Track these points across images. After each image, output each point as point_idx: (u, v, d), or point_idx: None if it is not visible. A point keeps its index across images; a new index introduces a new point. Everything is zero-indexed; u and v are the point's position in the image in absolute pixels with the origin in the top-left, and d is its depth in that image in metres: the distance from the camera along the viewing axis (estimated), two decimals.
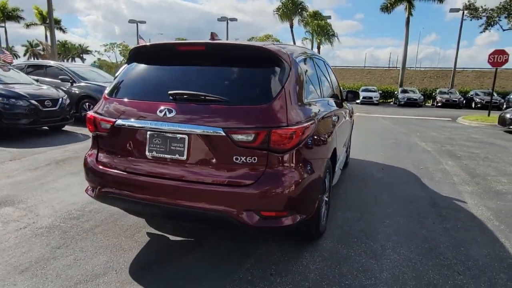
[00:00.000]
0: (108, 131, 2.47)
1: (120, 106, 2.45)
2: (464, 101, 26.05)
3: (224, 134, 2.11)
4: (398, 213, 3.67)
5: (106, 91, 2.62)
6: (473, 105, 25.49)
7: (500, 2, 16.74)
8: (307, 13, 38.21)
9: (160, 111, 2.25)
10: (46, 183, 4.32)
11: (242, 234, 3.02)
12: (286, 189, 2.14)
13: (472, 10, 16.67)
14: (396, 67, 47.80)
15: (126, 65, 2.73)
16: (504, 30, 17.42)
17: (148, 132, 2.31)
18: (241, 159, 2.14)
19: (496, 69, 16.66)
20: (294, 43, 39.36)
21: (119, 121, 2.38)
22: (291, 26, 40.91)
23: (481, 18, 16.68)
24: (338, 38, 35.63)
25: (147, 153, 2.33)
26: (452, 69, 34.46)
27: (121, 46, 56.76)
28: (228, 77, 2.37)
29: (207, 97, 2.22)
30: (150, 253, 2.71)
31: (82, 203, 3.69)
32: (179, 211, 2.27)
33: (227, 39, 40.22)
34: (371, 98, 25.89)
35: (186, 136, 2.21)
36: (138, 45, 2.71)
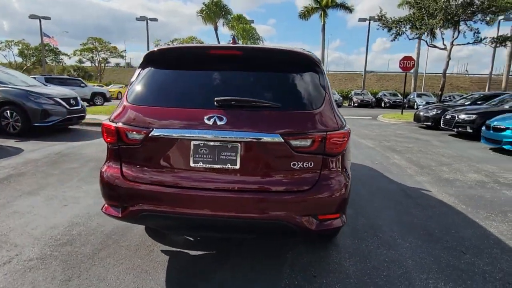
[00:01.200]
0: (140, 142, 2.21)
1: (153, 114, 2.22)
2: (375, 101, 29.53)
3: (282, 140, 2.08)
4: (385, 206, 4.01)
5: (129, 98, 2.34)
6: (382, 105, 29.13)
7: (406, 15, 19.28)
8: (232, 16, 38.72)
9: (209, 119, 2.11)
10: (2, 207, 3.63)
11: (254, 242, 2.97)
12: (339, 191, 2.20)
13: (383, 21, 18.91)
14: None
15: (141, 68, 2.47)
16: (410, 39, 20.06)
17: (193, 142, 2.14)
18: (298, 164, 2.13)
19: (406, 73, 19.19)
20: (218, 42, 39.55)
21: (157, 131, 2.15)
22: (216, 29, 40.97)
23: (391, 28, 19.02)
24: (263, 42, 36.77)
25: (191, 164, 2.15)
26: (358, 72, 38.73)
27: (20, 44, 49.68)
28: (270, 82, 2.32)
29: (258, 103, 2.16)
30: (179, 272, 2.50)
31: (63, 225, 3.22)
32: (233, 222, 2.16)
33: (147, 39, 38.03)
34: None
35: (238, 144, 2.11)
36: (161, 48, 2.48)
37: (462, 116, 10.44)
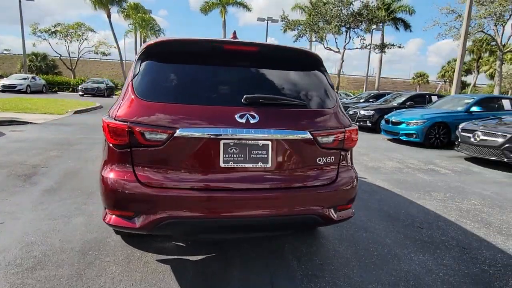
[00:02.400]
0: (163, 143, 1.98)
1: (177, 112, 2.00)
2: None
3: (311, 137, 2.15)
4: None
5: (141, 93, 2.05)
6: None
7: (306, 19, 21.11)
8: (127, 4, 35.80)
9: (241, 117, 2.03)
10: None
11: (251, 242, 2.97)
12: (353, 183, 2.38)
13: (287, 23, 20.28)
14: None
15: (147, 60, 2.18)
16: (310, 41, 21.99)
17: (223, 141, 2.03)
18: (322, 160, 2.24)
19: None
20: (114, 35, 36.24)
21: (184, 131, 1.96)
22: (109, 16, 37.32)
23: (293, 30, 20.55)
24: (164, 34, 35.15)
25: (221, 164, 2.04)
26: None
27: None
28: (288, 80, 2.34)
29: (286, 101, 2.17)
30: (192, 278, 2.35)
31: (15, 247, 2.65)
32: (266, 221, 2.13)
33: (21, 22, 32.37)
34: None
35: (269, 142, 2.09)
36: (170, 39, 2.23)
37: (363, 112, 12.05)
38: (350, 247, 2.94)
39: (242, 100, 2.07)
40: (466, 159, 7.46)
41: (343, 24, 18.73)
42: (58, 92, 31.16)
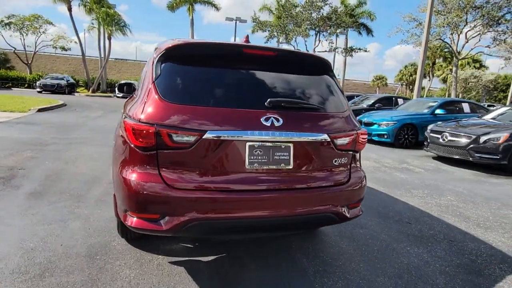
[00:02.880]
0: (191, 145, 1.99)
1: (205, 115, 2.02)
2: None
3: (329, 139, 2.26)
4: None
5: (166, 95, 2.04)
6: None
7: (274, 20, 21.46)
8: None
9: (266, 120, 2.09)
10: None
11: (255, 240, 3.04)
12: (363, 182, 2.52)
13: (258, 24, 20.46)
14: None
15: (166, 62, 2.17)
16: (281, 43, 22.33)
17: (248, 143, 2.08)
18: (338, 161, 2.35)
19: None
20: (76, 29, 34.43)
21: (212, 133, 1.99)
22: (70, 9, 35.39)
23: (265, 31, 20.77)
24: (130, 30, 33.92)
25: (247, 166, 2.09)
26: None
27: None
28: (304, 84, 2.43)
29: (305, 105, 2.26)
30: (207, 280, 2.37)
31: (15, 255, 2.52)
32: (288, 220, 2.20)
33: None
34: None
35: (291, 144, 2.17)
36: (190, 42, 2.24)
37: None
38: (351, 243, 3.10)
39: (266, 103, 2.13)
40: (434, 158, 8.00)
41: (313, 28, 19.28)
42: (13, 88, 29.09)
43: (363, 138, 2.48)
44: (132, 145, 2.05)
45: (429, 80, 42.76)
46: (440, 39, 21.05)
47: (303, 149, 2.23)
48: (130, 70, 42.76)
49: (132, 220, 2.06)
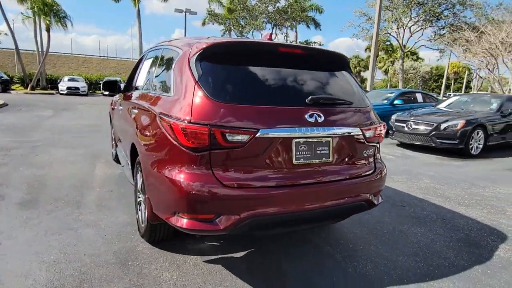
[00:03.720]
0: (242, 144, 2.01)
1: (256, 114, 2.05)
2: None
3: (361, 132, 2.41)
4: None
5: (215, 95, 2.03)
6: None
7: (225, 13, 21.32)
8: None
9: (310, 117, 2.18)
10: None
11: (276, 234, 3.12)
12: (384, 171, 2.72)
13: (213, 16, 20.17)
14: (116, 57, 48.97)
15: (210, 62, 2.18)
16: (237, 36, 22.26)
17: (294, 140, 2.15)
18: (366, 152, 2.52)
19: None
20: (7, 21, 31.07)
21: (265, 132, 2.03)
22: None
23: (221, 24, 20.55)
24: (71, 22, 31.34)
25: (294, 162, 2.17)
26: None
27: None
28: (332, 81, 2.55)
29: (339, 101, 2.38)
30: (249, 274, 2.42)
31: (39, 269, 2.36)
32: (329, 211, 2.32)
33: None
34: (77, 88, 25.74)
35: (330, 139, 2.29)
36: (228, 41, 2.23)
37: None
38: (362, 228, 3.32)
39: (307, 100, 2.22)
40: (398, 145, 8.66)
41: (270, 21, 19.52)
42: None
43: (384, 131, 2.67)
44: (181, 146, 2.02)
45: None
46: (388, 33, 22.57)
47: (340, 142, 2.36)
48: (67, 65, 39.65)
49: (184, 222, 2.05)
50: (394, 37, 23.45)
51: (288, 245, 2.89)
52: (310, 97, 2.22)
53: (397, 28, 22.10)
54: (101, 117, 11.47)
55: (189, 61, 2.22)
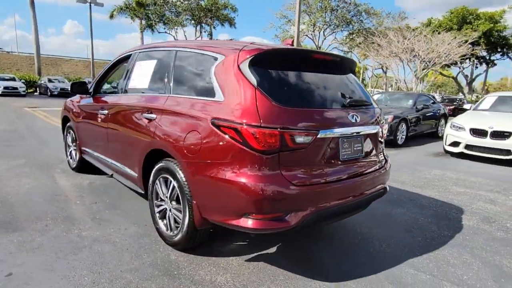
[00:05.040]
0: (307, 145, 2.17)
1: (314, 116, 2.23)
2: None
3: (380, 130, 2.78)
4: None
5: (278, 99, 2.13)
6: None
7: (152, 9, 20.35)
8: None
9: (351, 117, 2.44)
10: None
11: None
12: (390, 162, 3.16)
13: (133, 11, 18.94)
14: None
15: (265, 67, 2.29)
16: (159, 32, 21.35)
17: (341, 138, 2.40)
18: (380, 147, 2.90)
19: None
20: None
21: (323, 132, 2.22)
22: None
23: (142, 19, 19.41)
24: None
25: (340, 158, 2.41)
26: (61, 57, 36.38)
27: None
28: (352, 84, 2.84)
29: (366, 103, 2.71)
30: (294, 265, 2.60)
31: None
32: (362, 201, 2.62)
33: None
34: (16, 88, 21.88)
35: (362, 137, 2.60)
36: (282, 48, 2.32)
37: None
38: (358, 215, 3.75)
39: (345, 103, 2.49)
40: None
41: (194, 19, 19.21)
42: None
43: (384, 128, 3.10)
44: (251, 150, 2.09)
45: None
46: (305, 35, 24.33)
47: (367, 139, 2.69)
48: None
49: (254, 223, 2.13)
50: (311, 39, 25.46)
51: (311, 237, 3.12)
52: (347, 99, 2.50)
53: (313, 31, 24.03)
54: (12, 120, 9.98)
55: (239, 66, 2.27)
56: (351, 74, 2.97)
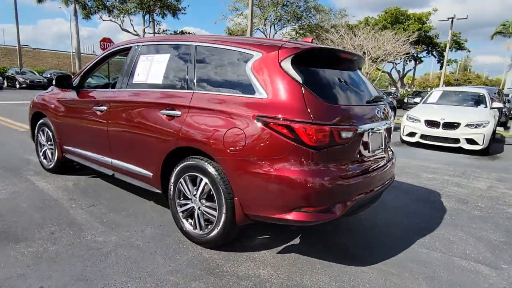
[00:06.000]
0: (349, 140, 2.30)
1: (353, 112, 2.36)
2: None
3: (392, 124, 3.02)
4: None
5: (322, 96, 2.22)
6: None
7: None
8: None
9: (378, 113, 2.63)
10: None
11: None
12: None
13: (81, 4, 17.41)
14: None
15: (307, 66, 2.36)
16: (104, 20, 19.85)
17: (370, 133, 2.57)
18: (390, 140, 3.15)
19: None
20: None
21: (361, 127, 2.38)
22: None
23: (85, 6, 17.87)
24: None
25: (370, 151, 2.59)
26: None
27: None
28: (366, 80, 3.02)
29: (382, 99, 2.91)
30: (324, 253, 2.74)
31: None
32: (383, 189, 2.84)
33: None
34: None
35: (384, 131, 2.80)
36: (320, 47, 2.37)
37: None
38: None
39: (371, 99, 2.68)
40: None
41: (143, 8, 18.20)
42: None
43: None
44: (303, 146, 2.16)
45: None
46: (258, 28, 24.46)
47: (385, 133, 2.91)
48: None
49: (305, 215, 2.22)
50: (262, 32, 25.67)
51: (329, 226, 3.29)
52: (372, 95, 2.68)
53: (264, 25, 24.29)
54: None
55: (280, 64, 2.32)
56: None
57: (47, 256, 2.48)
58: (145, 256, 2.56)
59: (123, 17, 20.31)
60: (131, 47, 3.43)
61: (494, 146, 8.31)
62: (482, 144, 7.29)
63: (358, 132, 2.41)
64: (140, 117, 3.03)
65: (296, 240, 2.97)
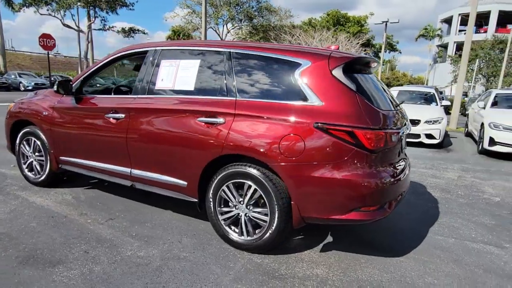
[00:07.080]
0: (395, 143, 2.53)
1: (391, 117, 2.59)
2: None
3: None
4: None
5: (372, 103, 2.40)
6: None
7: None
8: None
9: (403, 117, 2.88)
10: None
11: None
12: None
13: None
14: None
15: (354, 73, 2.55)
16: (42, 14, 18.08)
17: (402, 136, 2.82)
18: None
19: (48, 52, 17.45)
20: None
21: (402, 131, 2.61)
22: None
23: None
24: None
25: (402, 152, 2.84)
26: None
27: None
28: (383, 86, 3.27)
29: (399, 104, 3.18)
30: (367, 247, 2.94)
31: None
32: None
33: None
34: None
35: (406, 134, 3.08)
36: (362, 56, 2.52)
37: None
38: None
39: (395, 104, 2.92)
40: None
41: (89, 1, 16.87)
42: None
43: None
44: (363, 150, 2.32)
45: None
46: (211, 27, 24.14)
47: (405, 137, 3.19)
48: None
49: (363, 215, 2.39)
50: (215, 30, 25.42)
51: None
52: (398, 102, 2.93)
53: (216, 24, 24.11)
54: None
55: (331, 72, 2.45)
56: None
57: (96, 277, 2.33)
58: (200, 267, 2.52)
59: (64, 12, 18.62)
60: (146, 51, 3.29)
61: (445, 140, 9.34)
62: (439, 139, 8.16)
63: (400, 135, 2.64)
64: (171, 125, 2.93)
65: (329, 238, 3.14)
